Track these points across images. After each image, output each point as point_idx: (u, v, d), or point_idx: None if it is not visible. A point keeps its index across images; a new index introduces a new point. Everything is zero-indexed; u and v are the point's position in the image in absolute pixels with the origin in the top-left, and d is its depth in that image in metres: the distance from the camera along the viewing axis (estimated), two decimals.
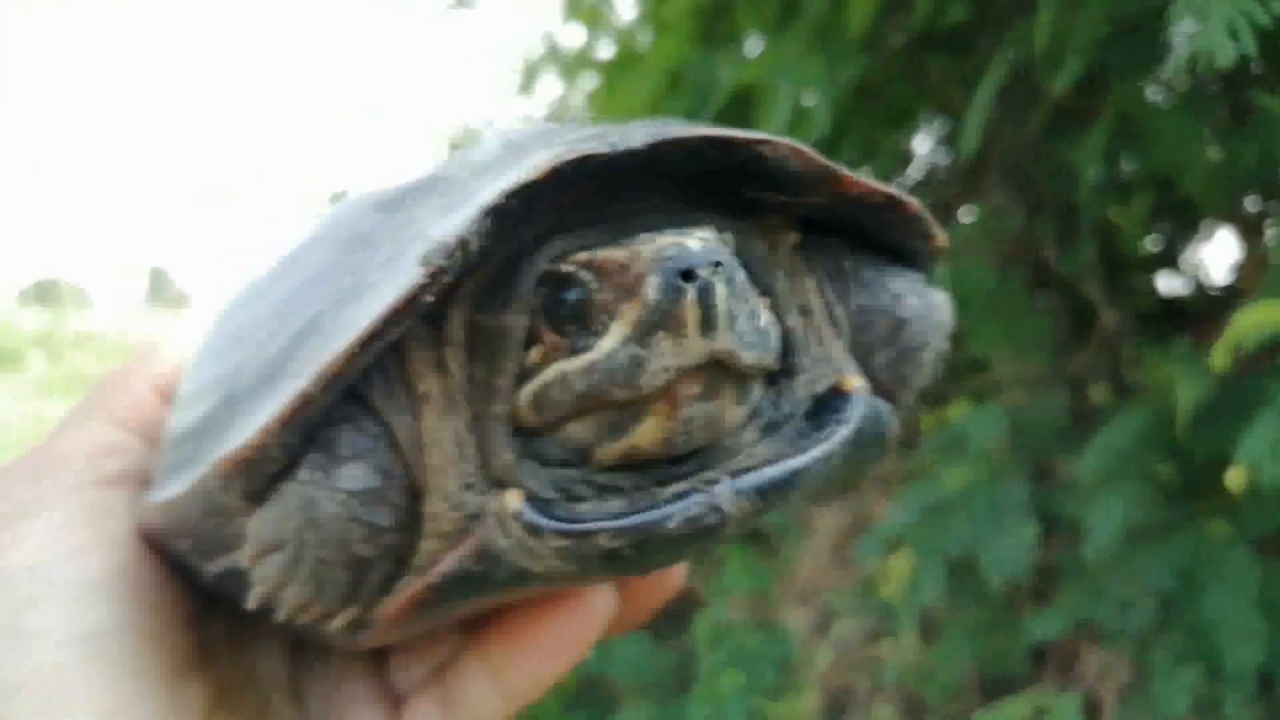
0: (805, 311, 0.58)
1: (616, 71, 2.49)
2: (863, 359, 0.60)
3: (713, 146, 0.53)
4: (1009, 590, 1.85)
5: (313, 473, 0.50)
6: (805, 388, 0.55)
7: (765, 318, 0.51)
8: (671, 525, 0.48)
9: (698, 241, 0.48)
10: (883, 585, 2.07)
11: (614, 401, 0.48)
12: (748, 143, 0.53)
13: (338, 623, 0.53)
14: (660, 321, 0.46)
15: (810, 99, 1.84)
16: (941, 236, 0.62)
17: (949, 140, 2.24)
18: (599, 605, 0.63)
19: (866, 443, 0.55)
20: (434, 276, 0.47)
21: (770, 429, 0.53)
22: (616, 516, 0.49)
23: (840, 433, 0.53)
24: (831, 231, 0.60)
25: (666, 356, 0.46)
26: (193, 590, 0.59)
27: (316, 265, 0.57)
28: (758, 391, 0.53)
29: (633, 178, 0.53)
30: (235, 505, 0.52)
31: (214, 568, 0.56)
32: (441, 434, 0.53)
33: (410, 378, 0.53)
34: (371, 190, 0.61)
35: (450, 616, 0.57)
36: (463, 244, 0.48)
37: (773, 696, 2.09)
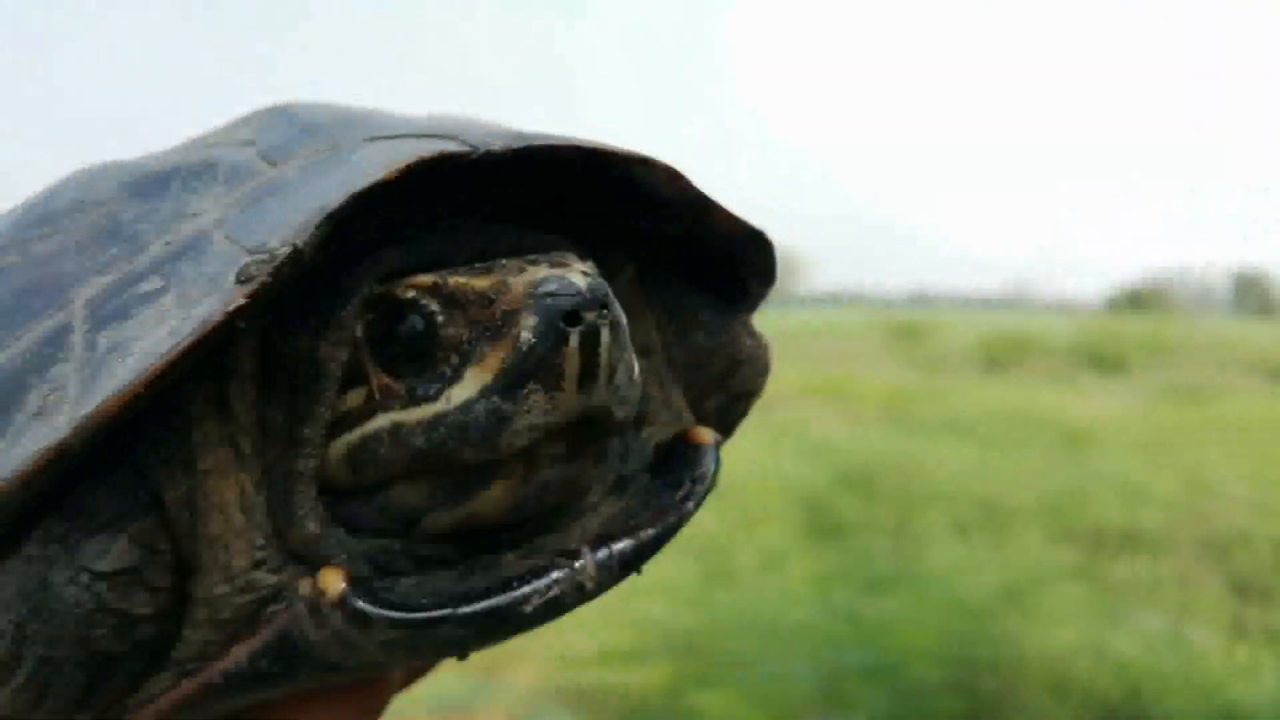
0: (646, 352, 0.52)
1: None
2: (693, 403, 0.55)
3: (584, 159, 0.46)
4: None
5: (47, 546, 0.40)
6: (649, 438, 0.50)
7: (637, 368, 0.44)
8: (529, 609, 0.42)
9: (581, 276, 0.41)
10: None
11: (458, 463, 0.41)
12: (626, 160, 0.47)
13: None
14: (533, 371, 0.39)
15: None
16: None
17: None
18: (390, 684, 0.53)
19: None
20: (254, 296, 0.39)
21: (618, 486, 0.48)
22: (461, 601, 0.42)
23: (700, 492, 0.49)
24: (662, 264, 0.55)
25: (535, 413, 0.39)
26: None
27: (44, 262, 0.46)
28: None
29: (469, 187, 0.47)
30: None
31: None
32: (224, 494, 0.43)
33: (182, 420, 0.43)
34: (107, 167, 0.51)
35: (217, 715, 0.46)
36: (295, 257, 0.39)
37: None
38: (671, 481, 0.50)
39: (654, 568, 0.48)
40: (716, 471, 0.51)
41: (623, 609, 3.51)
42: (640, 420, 0.50)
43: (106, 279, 0.44)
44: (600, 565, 0.44)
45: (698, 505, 0.49)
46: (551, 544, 0.45)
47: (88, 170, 0.52)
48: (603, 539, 0.45)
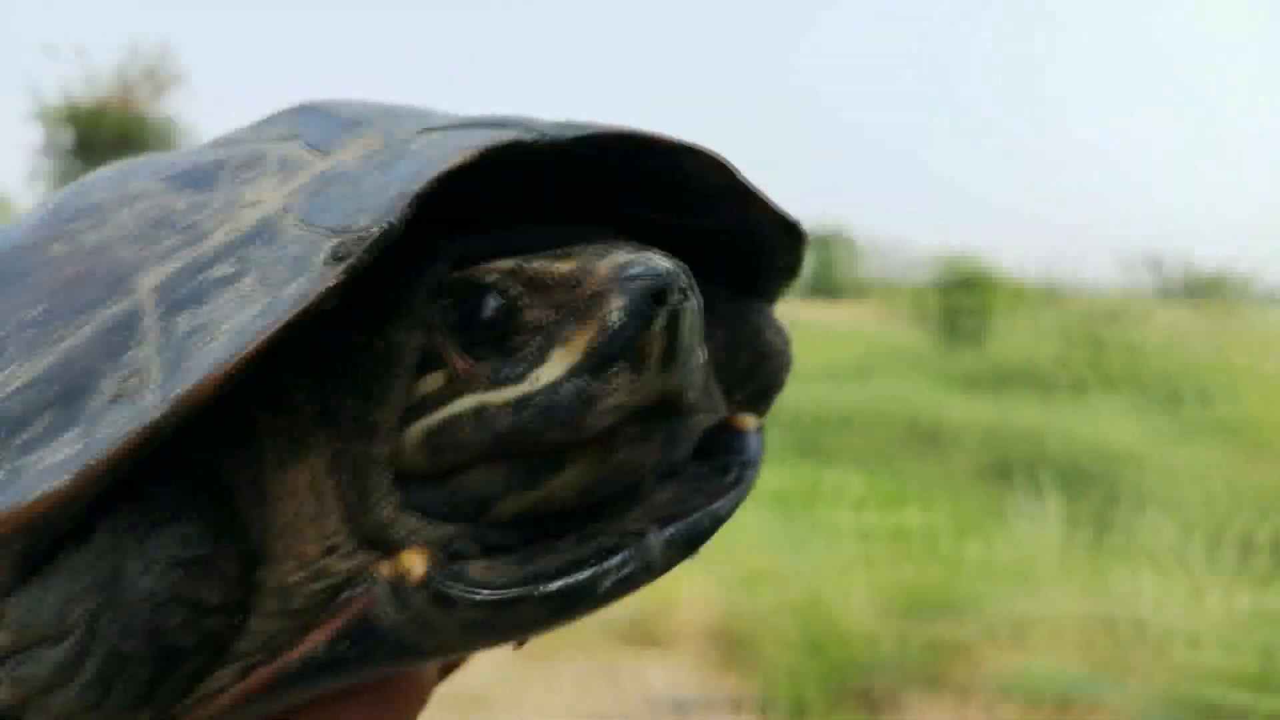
0: None
1: None
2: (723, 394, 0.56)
3: (637, 147, 0.47)
4: None
5: (119, 535, 0.40)
6: (695, 425, 0.51)
7: (704, 353, 0.46)
8: (604, 587, 0.43)
9: (663, 259, 0.42)
10: None
11: (541, 444, 0.41)
12: (676, 149, 0.48)
13: None
14: (620, 351, 0.40)
15: None
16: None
17: None
18: (427, 680, 0.52)
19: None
20: (350, 274, 0.40)
21: (668, 472, 0.48)
22: (540, 581, 0.42)
23: (749, 476, 0.50)
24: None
25: (620, 393, 0.40)
26: None
27: (96, 251, 0.46)
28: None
29: (519, 178, 0.47)
30: None
31: None
32: (293, 482, 0.44)
33: (246, 409, 0.44)
34: (139, 163, 0.52)
35: (272, 711, 0.47)
36: (387, 235, 0.40)
37: None
38: (718, 466, 0.50)
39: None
40: (761, 456, 0.51)
41: (1245, 633, 3.31)
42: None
43: (170, 266, 0.43)
44: (666, 544, 0.45)
45: (748, 488, 0.50)
46: (607, 529, 0.45)
47: (116, 167, 0.52)
48: (665, 520, 0.46)
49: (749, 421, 0.52)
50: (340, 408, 0.44)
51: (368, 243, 0.39)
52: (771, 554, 4.54)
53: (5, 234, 0.50)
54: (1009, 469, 5.71)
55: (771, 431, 0.53)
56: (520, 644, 0.50)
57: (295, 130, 0.50)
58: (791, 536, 4.91)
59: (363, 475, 0.43)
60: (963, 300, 11.62)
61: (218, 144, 0.52)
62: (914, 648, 3.47)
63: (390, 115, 0.50)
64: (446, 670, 0.56)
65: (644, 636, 3.84)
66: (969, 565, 4.24)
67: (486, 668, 3.56)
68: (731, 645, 3.75)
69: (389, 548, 0.43)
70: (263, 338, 0.38)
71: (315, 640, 0.43)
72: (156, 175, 0.49)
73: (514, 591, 0.42)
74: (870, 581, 3.96)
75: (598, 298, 0.40)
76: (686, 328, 0.41)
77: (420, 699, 0.51)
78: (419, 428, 0.43)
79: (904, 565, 4.25)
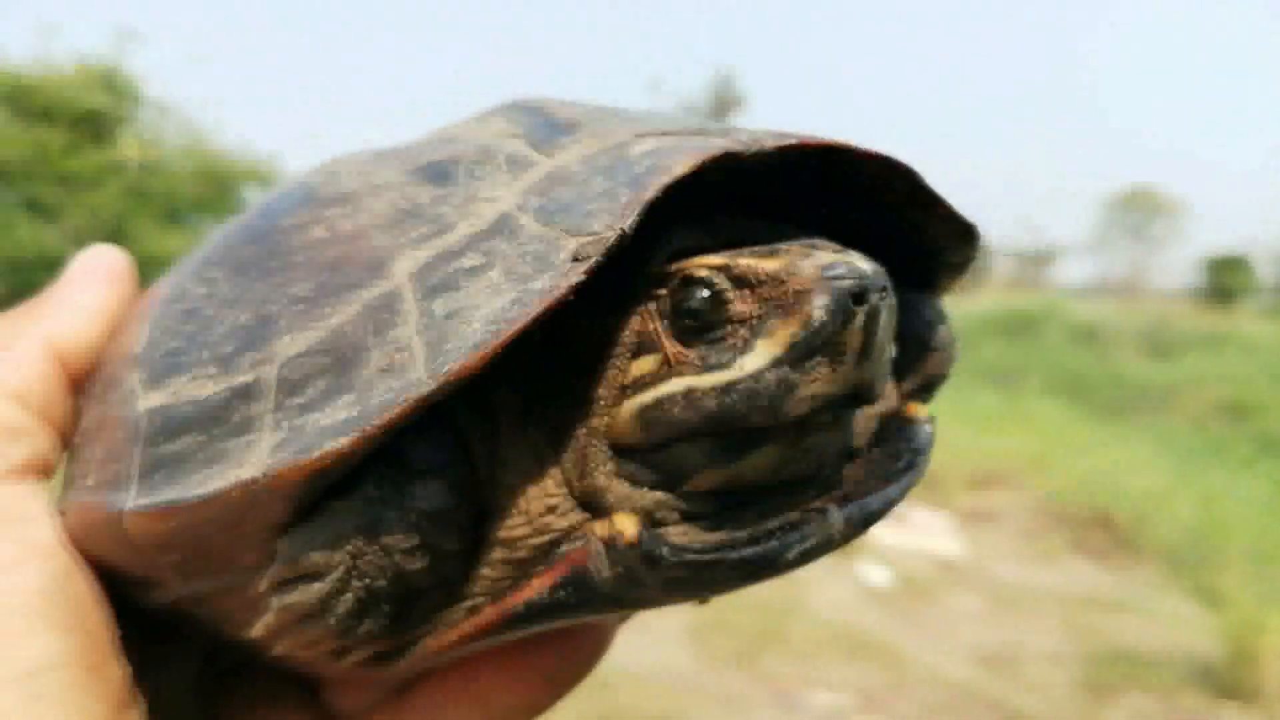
0: None
1: None
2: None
3: (838, 156, 0.50)
4: None
5: (383, 488, 0.46)
6: (873, 414, 0.53)
7: (894, 349, 0.49)
8: (790, 556, 0.46)
9: (863, 261, 0.44)
10: None
11: (743, 426, 0.45)
12: (866, 156, 0.50)
13: (352, 659, 0.49)
14: (821, 345, 0.43)
15: None
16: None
17: None
18: (613, 626, 0.58)
19: None
20: (590, 274, 0.43)
21: (848, 455, 0.51)
22: (734, 547, 0.46)
23: (921, 464, 0.52)
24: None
25: (818, 384, 0.44)
26: (111, 609, 0.53)
27: (353, 238, 0.50)
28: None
29: (723, 180, 0.49)
30: (274, 519, 0.46)
31: (188, 588, 0.51)
32: (522, 448, 0.49)
33: (483, 384, 0.46)
34: (373, 155, 0.56)
35: (488, 647, 0.53)
36: (621, 240, 0.43)
37: None
38: (891, 453, 0.52)
39: None
40: (932, 445, 0.54)
41: None
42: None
43: (422, 254, 0.47)
44: (845, 522, 0.48)
45: (919, 475, 0.52)
46: (792, 504, 0.48)
47: (351, 157, 0.58)
48: (844, 499, 0.49)
49: (921, 411, 0.55)
50: (565, 385, 0.49)
51: (605, 245, 0.43)
52: None
53: (264, 216, 0.56)
54: None
55: None
56: (704, 601, 0.55)
57: (516, 129, 0.55)
58: None
59: (581, 445, 0.48)
60: None
61: (444, 138, 0.57)
62: None
63: (598, 117, 0.54)
64: (623, 619, 0.62)
65: (1221, 685, 3.53)
66: None
67: (1039, 694, 3.49)
68: None
69: (602, 510, 0.48)
70: (517, 326, 0.42)
71: (537, 587, 0.48)
72: (399, 168, 0.54)
73: (712, 555, 0.46)
74: None
75: (802, 295, 0.44)
76: (882, 326, 0.45)
77: (605, 643, 0.59)
78: (633, 404, 0.47)
79: None
